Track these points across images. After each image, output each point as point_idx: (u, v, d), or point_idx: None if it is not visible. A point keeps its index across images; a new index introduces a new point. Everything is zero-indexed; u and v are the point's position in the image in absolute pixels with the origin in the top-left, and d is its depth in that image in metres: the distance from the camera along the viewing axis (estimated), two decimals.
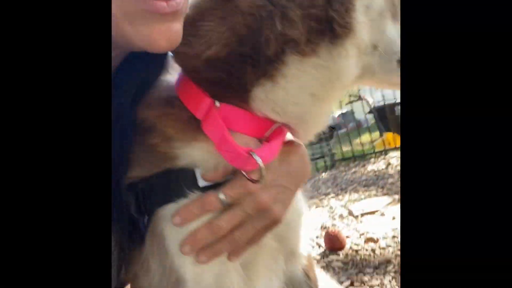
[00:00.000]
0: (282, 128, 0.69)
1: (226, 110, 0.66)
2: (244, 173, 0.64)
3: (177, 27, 0.59)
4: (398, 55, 0.69)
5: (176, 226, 0.65)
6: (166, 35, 0.58)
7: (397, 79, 0.70)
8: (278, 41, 0.62)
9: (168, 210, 0.66)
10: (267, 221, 0.69)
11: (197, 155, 0.66)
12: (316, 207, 3.42)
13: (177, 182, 0.66)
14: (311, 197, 3.78)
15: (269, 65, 0.63)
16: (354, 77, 0.69)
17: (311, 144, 0.83)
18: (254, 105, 0.66)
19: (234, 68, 0.64)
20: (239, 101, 0.66)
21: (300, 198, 0.82)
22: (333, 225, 2.69)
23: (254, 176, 0.64)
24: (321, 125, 0.74)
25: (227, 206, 0.65)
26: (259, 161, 0.62)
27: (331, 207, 3.61)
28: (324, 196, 3.62)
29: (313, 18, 0.63)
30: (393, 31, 0.69)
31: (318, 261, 2.26)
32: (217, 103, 0.65)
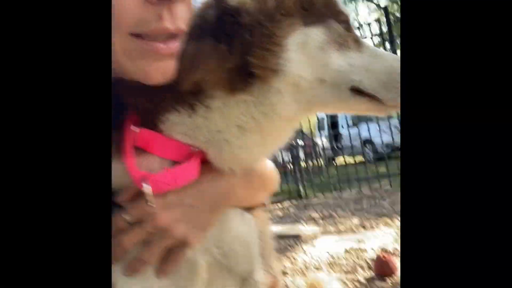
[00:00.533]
0: (197, 152, 0.72)
1: (145, 134, 0.71)
2: (151, 201, 0.68)
3: (172, 64, 0.66)
4: (350, 83, 0.73)
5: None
6: (162, 71, 0.65)
7: (355, 105, 0.76)
8: (195, 83, 0.68)
9: None
10: (171, 241, 0.71)
11: (115, 176, 0.67)
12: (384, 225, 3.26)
13: None
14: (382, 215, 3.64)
15: (191, 96, 0.69)
16: (298, 110, 0.74)
17: None
18: (164, 128, 0.71)
19: (155, 95, 0.69)
20: (155, 125, 0.71)
21: (248, 221, 0.82)
22: (385, 250, 2.56)
23: (148, 199, 0.68)
24: (253, 155, 0.76)
25: (132, 226, 0.69)
26: (146, 187, 0.66)
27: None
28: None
29: (229, 68, 0.67)
30: (340, 61, 0.73)
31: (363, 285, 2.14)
32: (136, 129, 0.70)
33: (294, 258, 2.74)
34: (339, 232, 3.34)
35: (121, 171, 0.68)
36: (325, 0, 0.76)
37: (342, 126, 9.64)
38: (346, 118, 9.26)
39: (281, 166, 7.63)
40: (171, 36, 0.63)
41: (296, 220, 4.12)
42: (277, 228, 3.52)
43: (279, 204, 5.26)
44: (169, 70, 0.66)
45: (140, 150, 0.71)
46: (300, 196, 5.62)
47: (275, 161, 7.34)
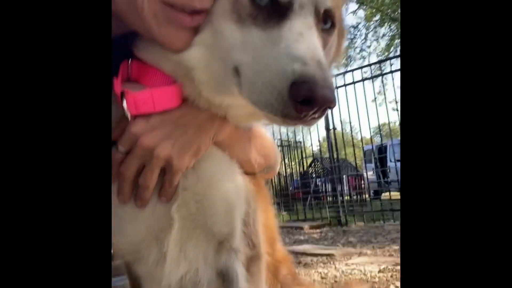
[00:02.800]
0: (178, 83, 0.74)
1: (137, 65, 0.76)
2: (126, 114, 0.72)
3: (192, 36, 0.72)
4: (233, 62, 0.67)
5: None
6: (183, 40, 0.71)
7: (232, 87, 0.69)
8: None
9: None
10: (158, 162, 0.74)
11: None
12: None
13: None
14: None
15: None
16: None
17: None
18: (154, 62, 0.75)
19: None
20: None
21: (237, 181, 0.82)
22: None
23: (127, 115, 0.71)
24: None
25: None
26: (124, 102, 0.70)
27: None
28: None
29: None
30: (233, 34, 0.67)
31: None
32: (129, 61, 0.76)
33: (324, 274, 2.63)
34: (375, 254, 3.16)
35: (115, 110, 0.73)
36: None
37: (390, 160, 9.32)
38: (394, 152, 8.96)
39: (323, 194, 7.50)
40: (196, 11, 0.69)
41: (332, 243, 3.97)
42: (311, 247, 3.42)
43: (317, 229, 5.11)
44: (188, 40, 0.72)
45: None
46: (340, 223, 5.42)
47: (316, 191, 7.21)
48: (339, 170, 5.83)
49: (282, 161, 8.24)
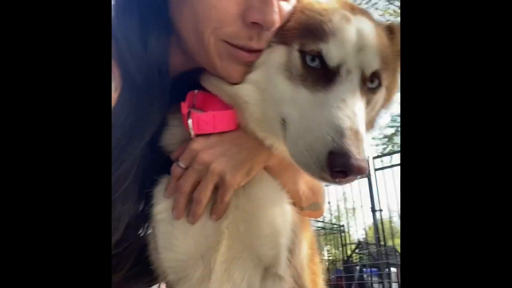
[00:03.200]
0: (228, 105, 0.82)
1: (201, 95, 0.85)
2: (190, 131, 0.79)
3: (249, 69, 0.82)
4: (280, 114, 0.74)
5: (166, 197, 0.82)
6: (241, 73, 0.81)
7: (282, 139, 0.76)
8: None
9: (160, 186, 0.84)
10: (212, 176, 0.79)
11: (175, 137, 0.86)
12: None
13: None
14: None
15: None
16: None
17: None
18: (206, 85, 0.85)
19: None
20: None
21: (284, 209, 0.84)
22: None
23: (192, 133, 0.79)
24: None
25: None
26: (189, 121, 0.78)
27: None
28: None
29: None
30: (285, 88, 0.74)
31: None
32: (195, 91, 0.85)
33: None
34: None
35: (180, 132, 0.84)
36: (302, 20, 0.76)
37: None
38: None
39: (369, 282, 6.90)
40: (253, 50, 0.80)
41: None
42: None
43: None
44: (244, 74, 0.82)
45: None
46: None
47: (361, 280, 6.71)
48: (386, 256, 5.41)
49: (324, 247, 7.87)
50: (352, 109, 0.67)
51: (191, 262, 0.80)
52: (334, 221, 8.83)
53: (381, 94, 0.81)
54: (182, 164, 0.81)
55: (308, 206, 0.95)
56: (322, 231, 7.83)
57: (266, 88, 0.76)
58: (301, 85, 0.71)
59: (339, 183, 0.65)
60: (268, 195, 0.84)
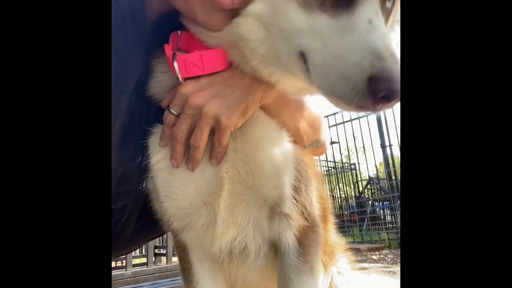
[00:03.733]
0: (217, 49, 0.76)
1: (186, 36, 0.80)
2: (178, 76, 0.75)
3: (230, 18, 0.74)
4: (298, 46, 0.65)
5: (161, 146, 0.80)
6: (224, 21, 0.74)
7: (295, 72, 0.69)
8: None
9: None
10: (207, 119, 0.75)
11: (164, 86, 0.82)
12: None
13: None
14: None
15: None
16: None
17: None
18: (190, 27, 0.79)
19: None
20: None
21: (284, 147, 0.81)
22: None
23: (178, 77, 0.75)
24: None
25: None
26: (175, 64, 0.73)
27: None
28: None
29: None
30: (299, 17, 0.65)
31: None
32: (178, 32, 0.80)
33: None
34: None
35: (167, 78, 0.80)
36: None
37: None
38: None
39: (381, 215, 7.13)
40: None
41: (393, 264, 3.71)
42: (369, 266, 3.21)
43: (375, 252, 4.82)
44: (225, 22, 0.74)
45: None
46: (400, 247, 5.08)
47: (373, 213, 6.90)
48: (398, 189, 5.53)
49: (336, 185, 8.03)
50: (381, 30, 0.61)
51: (194, 209, 0.80)
52: (345, 160, 8.92)
53: (391, 16, 0.75)
54: (173, 111, 0.77)
55: (310, 144, 0.93)
56: (334, 170, 7.95)
57: (273, 21, 0.68)
58: (319, 11, 0.63)
59: (379, 109, 0.60)
60: (267, 134, 0.80)
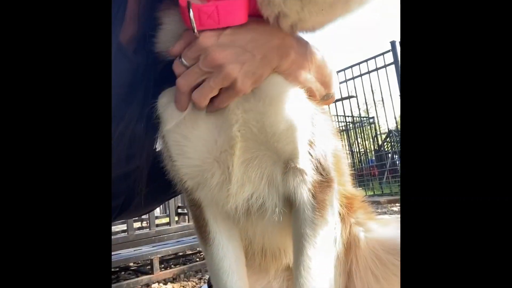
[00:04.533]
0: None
1: None
2: (193, 27, 0.70)
3: None
4: None
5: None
6: None
7: None
8: None
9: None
10: (223, 81, 0.71)
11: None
12: None
13: None
14: None
15: None
16: None
17: None
18: None
19: None
20: None
21: (299, 101, 0.78)
22: None
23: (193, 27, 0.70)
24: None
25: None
26: (191, 14, 0.68)
27: None
28: None
29: None
30: None
31: None
32: None
33: None
34: None
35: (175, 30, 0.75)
36: None
37: None
38: None
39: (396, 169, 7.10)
40: None
41: None
42: (390, 218, 3.23)
43: (396, 204, 4.85)
44: None
45: None
46: None
47: (393, 166, 6.87)
48: None
49: (355, 140, 7.97)
50: None
51: (207, 166, 0.78)
52: (363, 114, 8.79)
53: None
54: (185, 62, 0.73)
55: (321, 99, 0.91)
56: (352, 125, 7.87)
57: None
58: None
59: None
60: (281, 91, 0.78)
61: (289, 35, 0.78)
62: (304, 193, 0.79)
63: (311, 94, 0.84)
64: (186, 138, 0.78)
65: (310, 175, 0.79)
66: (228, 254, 0.85)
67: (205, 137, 0.77)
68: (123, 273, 2.51)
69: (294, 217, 0.82)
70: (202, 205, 0.86)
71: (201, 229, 0.88)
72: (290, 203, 0.82)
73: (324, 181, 0.81)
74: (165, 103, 0.79)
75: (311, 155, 0.79)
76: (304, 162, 0.78)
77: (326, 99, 0.95)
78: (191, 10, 0.68)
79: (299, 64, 0.82)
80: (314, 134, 0.80)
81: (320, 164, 0.80)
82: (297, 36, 0.81)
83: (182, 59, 0.73)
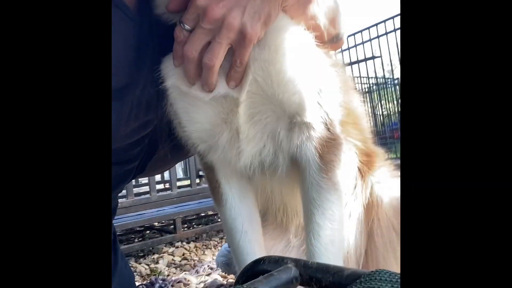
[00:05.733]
0: None
1: None
2: None
3: None
4: None
5: (176, 67, 0.74)
6: None
7: None
8: None
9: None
10: (228, 32, 0.67)
11: None
12: None
13: None
14: None
15: None
16: None
17: None
18: None
19: None
20: None
21: (307, 52, 0.74)
22: None
23: None
24: None
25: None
26: None
27: None
28: None
29: None
30: None
31: None
32: None
33: None
34: None
35: None
36: None
37: None
38: None
39: None
40: None
41: None
42: None
43: None
44: None
45: None
46: None
47: None
48: None
49: (378, 102, 7.79)
50: None
51: (217, 128, 0.77)
52: (387, 75, 8.51)
53: None
54: (187, 26, 0.70)
55: (330, 40, 0.87)
56: (376, 87, 7.66)
57: None
58: None
59: None
60: (288, 38, 0.73)
61: None
62: (309, 153, 0.76)
63: (319, 33, 0.80)
64: (193, 105, 0.76)
65: (318, 131, 0.75)
66: (241, 214, 0.85)
67: (212, 100, 0.75)
68: (148, 232, 2.60)
69: (300, 179, 0.80)
70: (214, 167, 0.86)
71: (214, 190, 0.88)
72: (297, 162, 0.80)
73: (331, 139, 0.77)
74: (167, 67, 0.76)
75: (320, 105, 0.75)
76: (312, 115, 0.74)
77: (336, 41, 0.90)
78: None
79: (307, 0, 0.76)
80: (323, 85, 0.76)
81: (328, 117, 0.77)
82: None
83: (183, 24, 0.70)
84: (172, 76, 0.76)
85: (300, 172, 0.79)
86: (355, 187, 0.91)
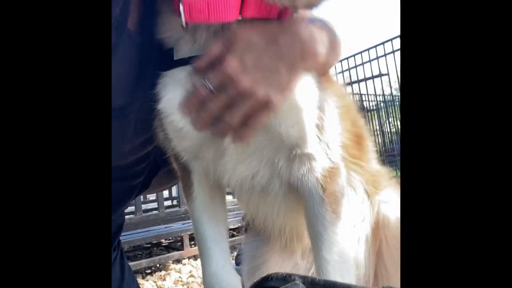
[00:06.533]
0: None
1: None
2: (182, 20, 0.69)
3: None
4: None
5: (184, 114, 0.74)
6: None
7: None
8: None
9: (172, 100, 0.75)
10: (254, 104, 0.69)
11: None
12: None
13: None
14: None
15: None
16: None
17: None
18: None
19: None
20: None
21: (306, 84, 0.74)
22: None
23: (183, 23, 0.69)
24: None
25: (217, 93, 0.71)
26: (181, 8, 0.68)
27: None
28: None
29: None
30: None
31: None
32: None
33: None
34: None
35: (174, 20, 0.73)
36: None
37: None
38: None
39: None
40: None
41: None
42: None
43: None
44: None
45: None
46: None
47: None
48: None
49: (386, 120, 7.78)
50: None
51: (204, 143, 0.77)
52: (395, 93, 8.52)
53: None
54: (211, 87, 0.71)
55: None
56: (383, 104, 7.66)
57: None
58: None
59: None
60: None
61: (305, 26, 0.74)
62: (311, 185, 0.76)
63: (323, 69, 0.81)
64: (182, 119, 0.76)
65: (320, 162, 0.76)
66: (209, 210, 0.86)
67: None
68: (155, 248, 2.60)
69: (305, 212, 0.79)
70: (191, 171, 0.85)
71: (185, 188, 0.88)
72: (297, 190, 0.80)
73: (333, 168, 0.78)
74: (164, 87, 0.77)
75: (320, 139, 0.76)
76: (313, 147, 0.75)
77: (329, 68, 0.91)
78: (181, 4, 0.68)
79: (327, 57, 0.79)
80: (322, 118, 0.76)
81: (329, 149, 0.77)
82: (311, 18, 0.78)
83: (208, 83, 0.71)
84: (166, 97, 0.76)
85: (303, 202, 0.79)
86: (361, 209, 0.91)
